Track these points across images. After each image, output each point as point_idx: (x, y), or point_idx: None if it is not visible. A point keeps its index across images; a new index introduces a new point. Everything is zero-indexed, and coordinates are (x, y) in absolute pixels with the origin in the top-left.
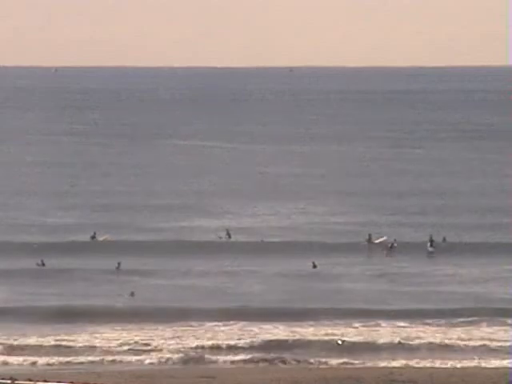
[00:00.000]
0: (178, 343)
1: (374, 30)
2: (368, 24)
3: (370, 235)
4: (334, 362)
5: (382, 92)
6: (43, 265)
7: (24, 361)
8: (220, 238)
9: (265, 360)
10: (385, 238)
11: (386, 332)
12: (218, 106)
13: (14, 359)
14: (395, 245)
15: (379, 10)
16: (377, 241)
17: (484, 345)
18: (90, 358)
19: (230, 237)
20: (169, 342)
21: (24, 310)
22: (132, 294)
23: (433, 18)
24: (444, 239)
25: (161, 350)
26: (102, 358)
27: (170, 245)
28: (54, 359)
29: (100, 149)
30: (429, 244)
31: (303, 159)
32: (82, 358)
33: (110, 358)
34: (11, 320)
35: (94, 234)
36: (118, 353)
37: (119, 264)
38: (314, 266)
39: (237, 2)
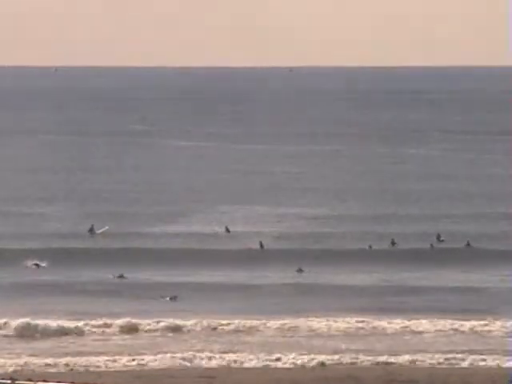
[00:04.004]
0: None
1: (374, 29)
2: (368, 24)
3: (370, 246)
4: (333, 361)
5: (381, 92)
6: (37, 266)
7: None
8: (218, 232)
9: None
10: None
11: (385, 332)
12: (218, 105)
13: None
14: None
15: (379, 9)
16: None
17: (484, 345)
18: (90, 359)
19: (228, 231)
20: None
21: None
22: (174, 298)
23: (433, 17)
24: (438, 236)
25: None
26: (101, 358)
27: (169, 251)
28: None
29: (99, 149)
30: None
31: (302, 159)
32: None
33: (110, 358)
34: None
35: (92, 226)
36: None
37: (122, 275)
38: (300, 271)
39: (237, 1)
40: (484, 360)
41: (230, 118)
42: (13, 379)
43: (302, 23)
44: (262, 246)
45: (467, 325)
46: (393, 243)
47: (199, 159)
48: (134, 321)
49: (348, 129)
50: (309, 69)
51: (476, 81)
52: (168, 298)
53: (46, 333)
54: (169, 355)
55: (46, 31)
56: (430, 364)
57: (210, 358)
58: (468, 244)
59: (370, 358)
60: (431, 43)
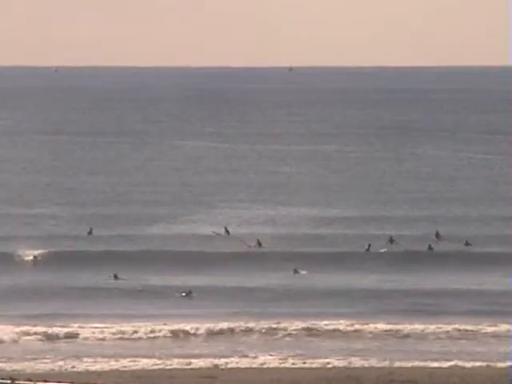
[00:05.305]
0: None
1: (374, 29)
2: (368, 23)
3: (369, 245)
4: (333, 361)
5: (381, 92)
6: (35, 258)
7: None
8: (218, 234)
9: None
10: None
11: (384, 332)
12: (217, 105)
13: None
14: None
15: (379, 9)
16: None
17: (484, 346)
18: (91, 359)
19: (228, 233)
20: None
21: None
22: (189, 294)
23: (433, 17)
24: (437, 234)
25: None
26: (101, 358)
27: (169, 253)
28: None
29: (98, 150)
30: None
31: (302, 160)
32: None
33: (110, 357)
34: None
35: (91, 230)
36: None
37: (116, 276)
38: (296, 272)
39: (237, 1)
40: (484, 361)
41: (230, 118)
42: (13, 379)
43: (301, 23)
44: (260, 244)
45: (466, 326)
46: (391, 241)
47: (199, 159)
48: (137, 324)
49: (347, 129)
50: (309, 69)
51: (476, 81)
52: (183, 294)
53: (49, 336)
54: (169, 356)
55: (46, 31)
56: (429, 365)
57: (209, 359)
58: (467, 243)
59: (369, 358)
60: (431, 43)
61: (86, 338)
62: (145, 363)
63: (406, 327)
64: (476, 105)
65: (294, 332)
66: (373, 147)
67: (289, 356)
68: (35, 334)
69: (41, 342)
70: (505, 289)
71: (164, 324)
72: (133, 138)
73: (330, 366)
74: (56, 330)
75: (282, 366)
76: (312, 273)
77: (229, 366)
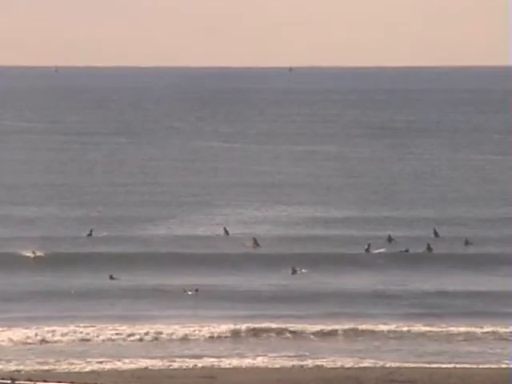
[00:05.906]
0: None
1: (374, 30)
2: (368, 24)
3: (369, 245)
4: (333, 361)
5: (381, 92)
6: (34, 253)
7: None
8: (217, 235)
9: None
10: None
11: (384, 332)
12: (217, 105)
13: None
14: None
15: (379, 10)
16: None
17: (484, 346)
18: (91, 359)
19: (227, 234)
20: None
21: None
22: (196, 291)
23: (433, 17)
24: (436, 233)
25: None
26: (101, 358)
27: (168, 255)
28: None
29: (97, 150)
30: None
31: (302, 160)
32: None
33: (110, 357)
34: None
35: (91, 231)
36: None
37: (111, 276)
38: (294, 272)
39: (237, 1)
40: (484, 361)
41: (230, 118)
42: (13, 379)
43: (301, 23)
44: (257, 243)
45: (466, 326)
46: (389, 240)
47: (199, 159)
48: (137, 324)
49: (347, 129)
50: (309, 69)
51: (476, 81)
52: (190, 292)
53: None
54: (169, 356)
55: (46, 31)
56: (429, 365)
57: (209, 359)
58: (467, 243)
59: (369, 358)
60: (431, 43)
61: (85, 338)
62: (145, 363)
63: (406, 327)
64: (476, 105)
65: (293, 332)
66: (373, 147)
67: (289, 356)
68: (35, 334)
69: (41, 342)
70: (505, 289)
71: (164, 324)
72: (133, 138)
73: (330, 366)
74: (56, 330)
75: (282, 366)
76: (311, 273)
77: (228, 366)
